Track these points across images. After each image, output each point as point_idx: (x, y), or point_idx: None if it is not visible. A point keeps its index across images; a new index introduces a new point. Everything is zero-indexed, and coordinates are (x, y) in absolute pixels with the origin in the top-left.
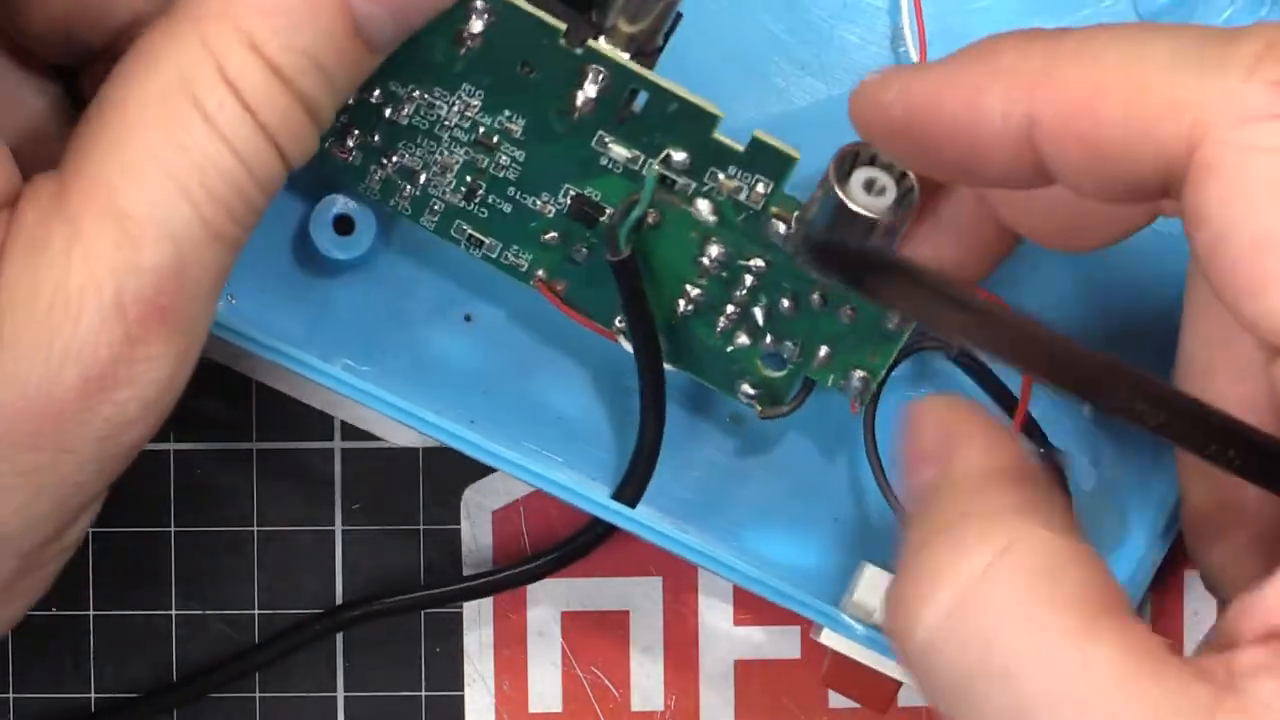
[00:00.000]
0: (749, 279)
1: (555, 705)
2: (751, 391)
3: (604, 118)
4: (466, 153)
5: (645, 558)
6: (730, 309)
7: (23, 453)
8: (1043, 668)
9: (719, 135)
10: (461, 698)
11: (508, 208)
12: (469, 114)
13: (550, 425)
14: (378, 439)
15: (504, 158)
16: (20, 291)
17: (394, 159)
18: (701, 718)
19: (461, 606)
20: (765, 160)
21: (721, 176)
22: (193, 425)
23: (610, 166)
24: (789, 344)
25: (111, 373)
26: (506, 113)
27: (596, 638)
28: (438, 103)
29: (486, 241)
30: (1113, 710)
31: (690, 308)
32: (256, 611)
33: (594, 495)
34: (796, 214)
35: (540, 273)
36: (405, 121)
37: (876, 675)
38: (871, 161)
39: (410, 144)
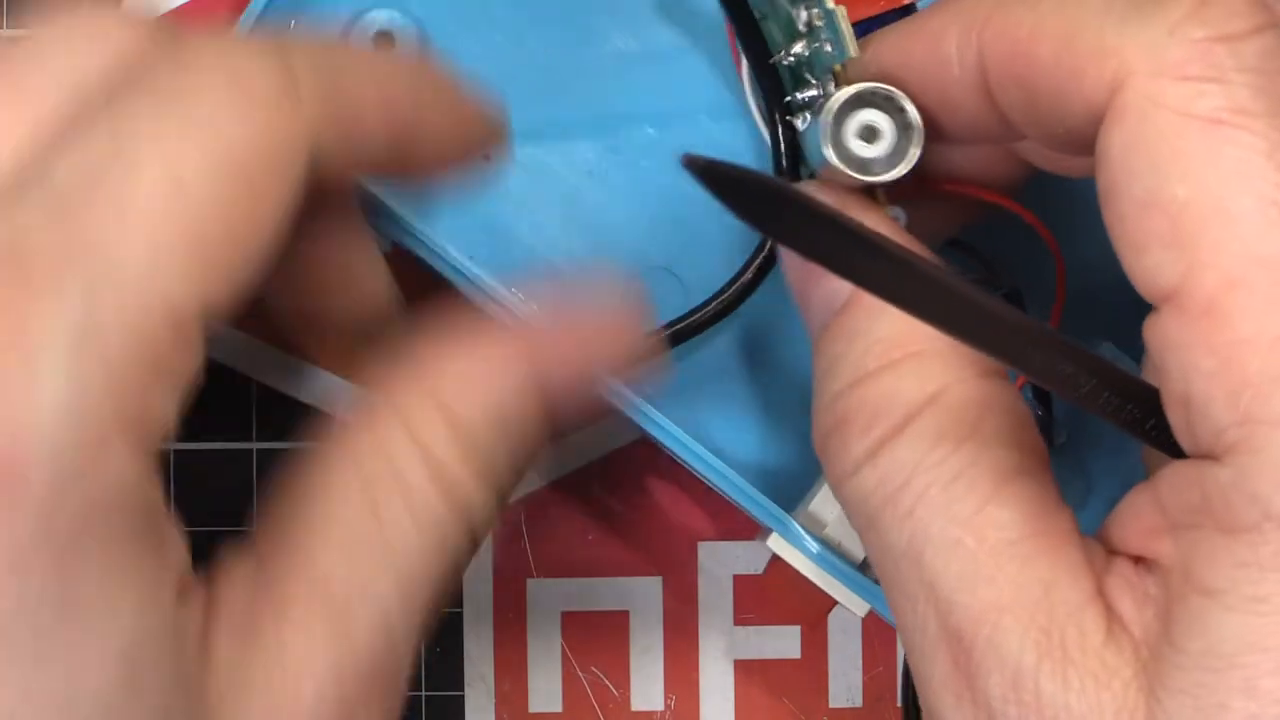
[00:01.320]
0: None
1: (555, 705)
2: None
3: None
4: None
5: (645, 557)
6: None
7: None
8: (941, 518)
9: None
10: (461, 698)
11: None
12: None
13: (547, 277)
14: None
15: None
16: (235, 677)
17: None
18: (701, 718)
19: (462, 606)
20: (836, 38)
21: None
22: (193, 425)
23: None
24: None
25: None
26: None
27: (596, 638)
28: None
29: None
30: (991, 573)
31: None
32: None
33: None
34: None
35: None
36: None
37: (813, 589)
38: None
39: None
